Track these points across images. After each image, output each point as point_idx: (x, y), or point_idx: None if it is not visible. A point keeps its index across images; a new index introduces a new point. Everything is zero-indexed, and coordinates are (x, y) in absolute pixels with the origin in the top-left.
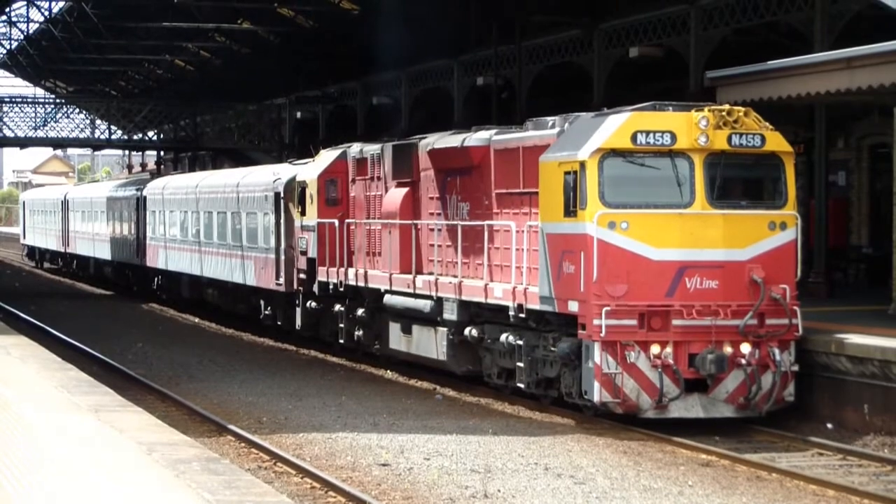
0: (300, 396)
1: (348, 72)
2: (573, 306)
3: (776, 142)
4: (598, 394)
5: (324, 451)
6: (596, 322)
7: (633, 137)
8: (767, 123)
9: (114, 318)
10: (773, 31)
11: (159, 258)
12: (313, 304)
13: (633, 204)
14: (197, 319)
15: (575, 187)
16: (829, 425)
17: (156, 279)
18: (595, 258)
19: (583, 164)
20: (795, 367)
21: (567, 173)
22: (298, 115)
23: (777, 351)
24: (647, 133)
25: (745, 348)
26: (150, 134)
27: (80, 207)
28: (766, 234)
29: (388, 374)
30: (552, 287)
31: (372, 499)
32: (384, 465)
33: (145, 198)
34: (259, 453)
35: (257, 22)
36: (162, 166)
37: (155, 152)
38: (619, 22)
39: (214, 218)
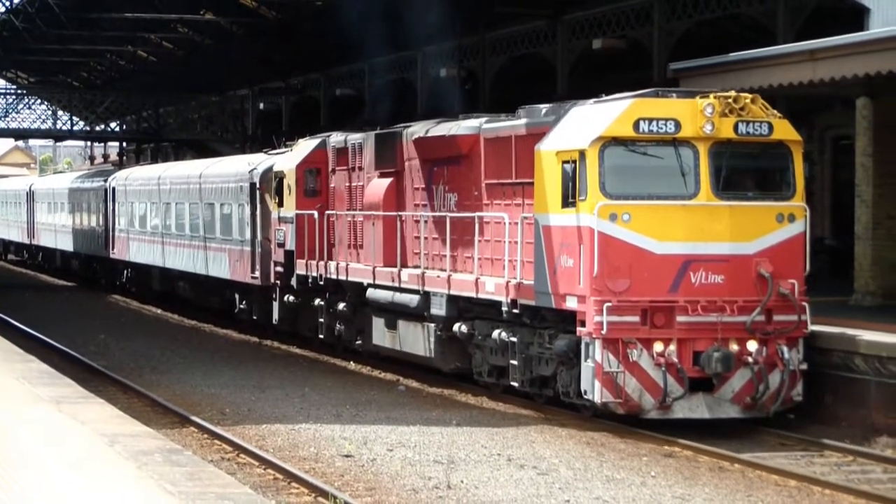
0: (263, 388)
1: (311, 63)
2: (572, 302)
3: (784, 130)
4: (598, 394)
5: (287, 442)
6: (597, 319)
7: (636, 125)
8: (775, 111)
9: (77, 309)
10: (736, 24)
11: (128, 250)
12: (291, 298)
13: (635, 195)
14: (159, 311)
15: (574, 177)
16: (791, 416)
17: (125, 272)
18: (596, 252)
19: (582, 153)
20: (804, 366)
21: (566, 163)
22: (261, 106)
23: (785, 349)
24: (650, 121)
25: (752, 346)
26: (113, 125)
27: (46, 199)
28: (773, 226)
29: (352, 365)
30: (549, 281)
31: (335, 490)
32: (347, 456)
33: (114, 189)
34: (222, 444)
35: (220, 13)
36: (124, 157)
37: (117, 143)
38: (583, 14)
39: (186, 209)
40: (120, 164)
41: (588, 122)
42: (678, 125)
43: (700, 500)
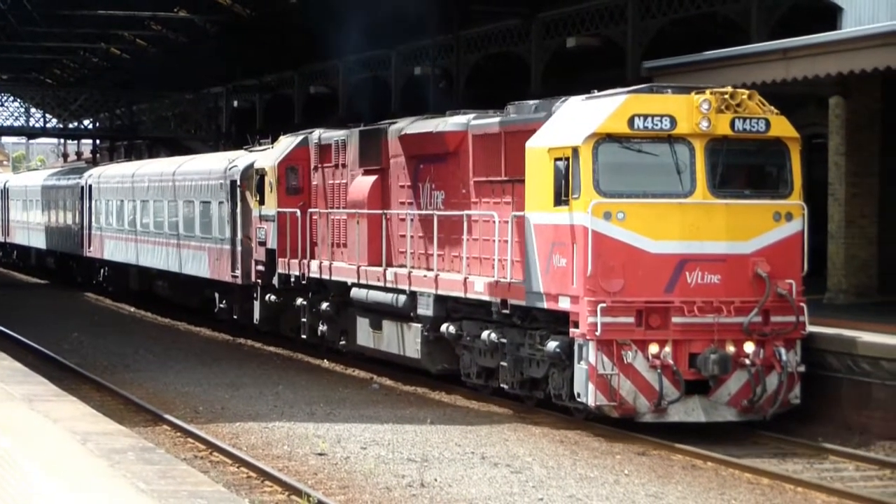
0: (237, 386)
1: (286, 61)
2: (564, 302)
3: (781, 127)
4: (592, 397)
5: (260, 440)
6: (590, 320)
7: (631, 122)
8: (772, 107)
9: (50, 307)
10: (711, 22)
11: (105, 249)
12: (273, 297)
13: (629, 193)
14: (133, 309)
15: (567, 175)
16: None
17: (101, 270)
18: (590, 251)
19: (576, 151)
20: (802, 368)
21: (558, 160)
22: (235, 104)
23: (783, 350)
24: (645, 117)
25: (749, 347)
26: (86, 122)
27: (20, 196)
28: (770, 225)
29: (325, 363)
30: (540, 281)
31: (308, 488)
32: (321, 454)
33: (90, 186)
34: (195, 443)
35: (194, 10)
36: (98, 155)
37: (91, 141)
38: (557, 12)
39: (165, 207)
40: (94, 162)
41: (581, 118)
42: (674, 122)
43: (673, 498)
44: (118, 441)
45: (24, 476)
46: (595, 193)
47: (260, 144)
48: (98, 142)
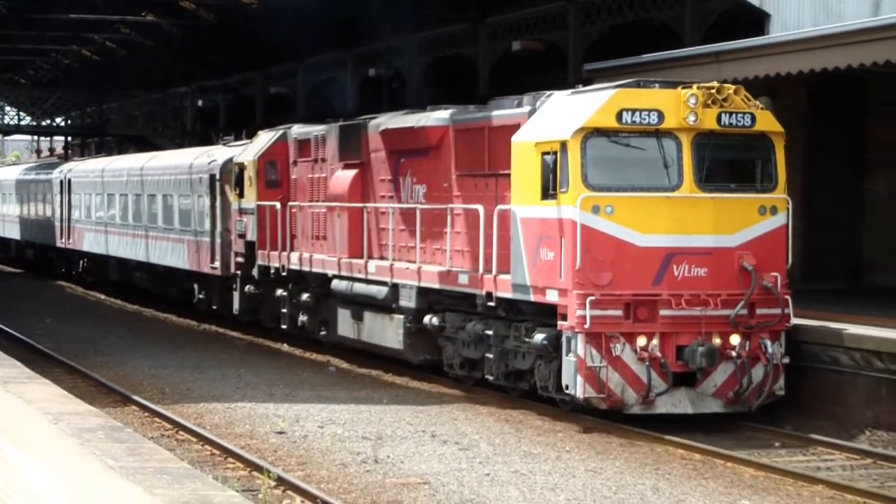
0: (202, 369)
1: (248, 63)
2: (552, 295)
3: (766, 121)
4: (580, 389)
5: (223, 419)
6: (579, 312)
7: (619, 116)
8: (757, 101)
9: (24, 295)
10: (647, 28)
11: (84, 240)
12: (252, 288)
13: (617, 187)
14: (103, 296)
15: (555, 169)
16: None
17: (80, 262)
18: (578, 244)
19: (564, 145)
20: (786, 360)
21: (545, 154)
22: (200, 103)
23: (769, 342)
24: (633, 111)
25: (735, 340)
26: (59, 120)
27: (1, 190)
28: (756, 218)
29: (285, 347)
30: (527, 274)
31: (268, 465)
32: (280, 433)
33: (69, 180)
34: (162, 422)
35: (160, 15)
36: (69, 151)
37: (63, 138)
38: (504, 17)
39: (144, 200)
40: (65, 157)
41: (569, 112)
42: (661, 116)
43: (611, 472)
44: (88, 421)
45: None
46: (583, 187)
47: (223, 142)
48: (69, 138)
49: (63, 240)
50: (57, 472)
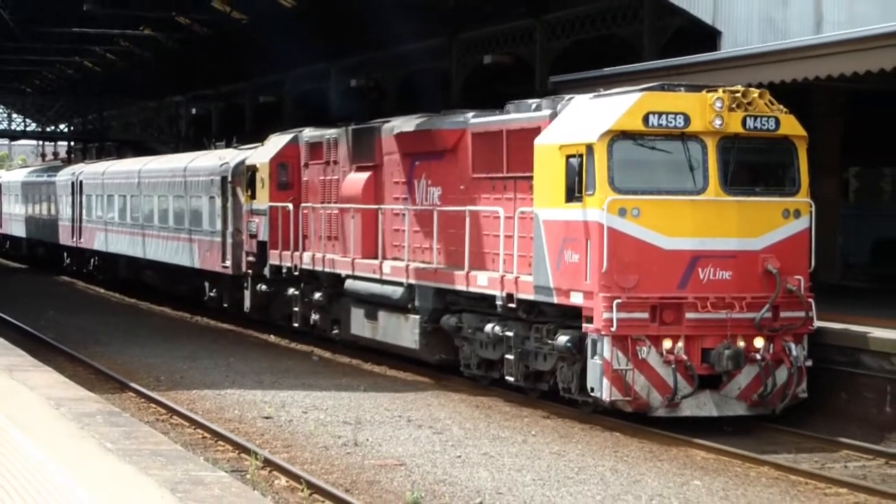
0: (194, 358)
1: (238, 73)
2: (576, 298)
3: (790, 125)
4: (607, 392)
5: (214, 405)
6: (606, 315)
7: (645, 119)
8: (781, 105)
9: (29, 290)
10: (608, 43)
11: (95, 240)
12: (263, 286)
13: (643, 190)
14: (103, 291)
15: (581, 172)
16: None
17: (91, 260)
18: (605, 247)
19: (590, 147)
20: (809, 362)
21: (571, 157)
22: (194, 111)
23: (792, 345)
24: (660, 115)
25: (759, 343)
26: (62, 126)
27: (13, 191)
28: (779, 222)
29: (272, 338)
30: (550, 276)
31: (256, 447)
32: (267, 417)
33: (81, 182)
34: (157, 408)
35: (157, 29)
36: (72, 155)
37: (66, 143)
38: (475, 33)
39: (156, 201)
40: (68, 161)
41: (593, 115)
42: (687, 119)
43: (574, 454)
44: (88, 406)
45: (4, 436)
46: (610, 190)
47: (215, 147)
48: (72, 143)
49: (74, 238)
50: (58, 454)
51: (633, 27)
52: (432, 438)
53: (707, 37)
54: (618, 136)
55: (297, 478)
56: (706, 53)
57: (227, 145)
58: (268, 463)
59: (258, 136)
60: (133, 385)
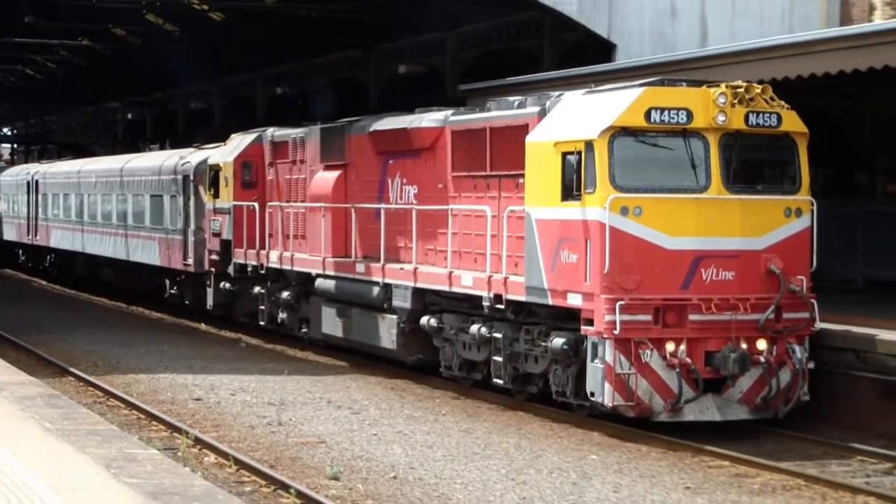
0: (130, 345)
1: (171, 81)
2: (574, 299)
3: (792, 122)
4: (609, 397)
5: (148, 388)
6: (608, 318)
7: (647, 115)
8: (782, 101)
9: None
10: (512, 55)
11: (51, 237)
12: (227, 284)
13: (645, 188)
14: (44, 282)
15: (579, 169)
16: None
17: (48, 257)
18: (607, 247)
19: (590, 144)
20: (811, 364)
21: (568, 154)
22: (129, 116)
23: (796, 347)
24: (662, 110)
25: (762, 345)
26: (6, 130)
27: None
28: (781, 221)
29: (203, 326)
30: (544, 277)
31: (187, 427)
32: (197, 399)
33: (36, 181)
34: (94, 391)
35: (95, 40)
36: (14, 157)
37: (8, 145)
38: (392, 45)
39: (114, 200)
40: (11, 162)
41: (590, 111)
42: (690, 115)
43: (481, 432)
44: (29, 389)
45: None
46: (611, 188)
47: (150, 149)
48: (15, 146)
49: (30, 236)
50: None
51: (536, 41)
52: (350, 418)
53: (603, 49)
54: (619, 133)
55: (225, 455)
56: (602, 64)
57: (161, 148)
58: (198, 441)
59: (190, 140)
60: (72, 370)
